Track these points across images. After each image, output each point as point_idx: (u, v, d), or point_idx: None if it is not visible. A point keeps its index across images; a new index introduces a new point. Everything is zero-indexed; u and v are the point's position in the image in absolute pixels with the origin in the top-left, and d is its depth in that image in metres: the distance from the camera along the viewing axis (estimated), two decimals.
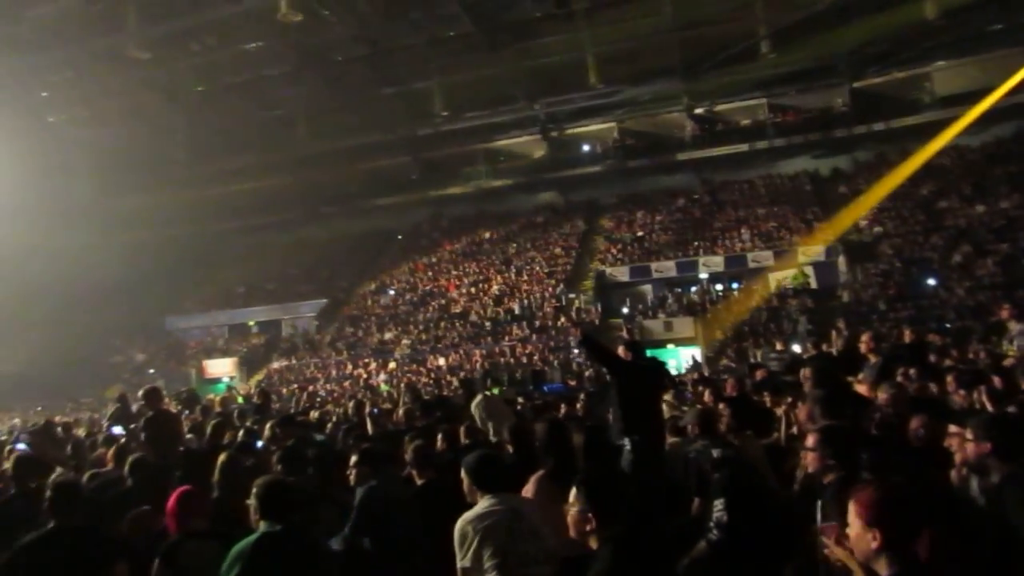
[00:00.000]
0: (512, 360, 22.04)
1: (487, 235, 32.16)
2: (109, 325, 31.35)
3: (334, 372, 24.98)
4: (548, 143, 32.09)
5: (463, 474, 3.60)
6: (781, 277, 23.30)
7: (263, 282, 33.19)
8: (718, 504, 3.80)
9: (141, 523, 4.12)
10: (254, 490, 3.39)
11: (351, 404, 9.89)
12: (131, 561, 3.63)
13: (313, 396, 17.57)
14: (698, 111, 29.82)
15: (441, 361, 23.45)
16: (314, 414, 9.59)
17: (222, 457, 4.93)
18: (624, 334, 20.33)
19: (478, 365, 21.92)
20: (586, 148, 32.58)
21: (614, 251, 28.00)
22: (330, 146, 31.26)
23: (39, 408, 23.08)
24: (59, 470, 5.66)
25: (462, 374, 20.18)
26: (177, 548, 3.57)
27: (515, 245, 30.48)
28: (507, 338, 24.02)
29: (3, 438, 9.75)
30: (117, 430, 6.61)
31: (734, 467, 4.12)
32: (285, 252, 35.00)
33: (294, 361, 27.05)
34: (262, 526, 3.28)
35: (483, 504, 3.41)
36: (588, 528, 2.71)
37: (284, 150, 31.36)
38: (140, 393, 7.27)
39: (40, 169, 28.57)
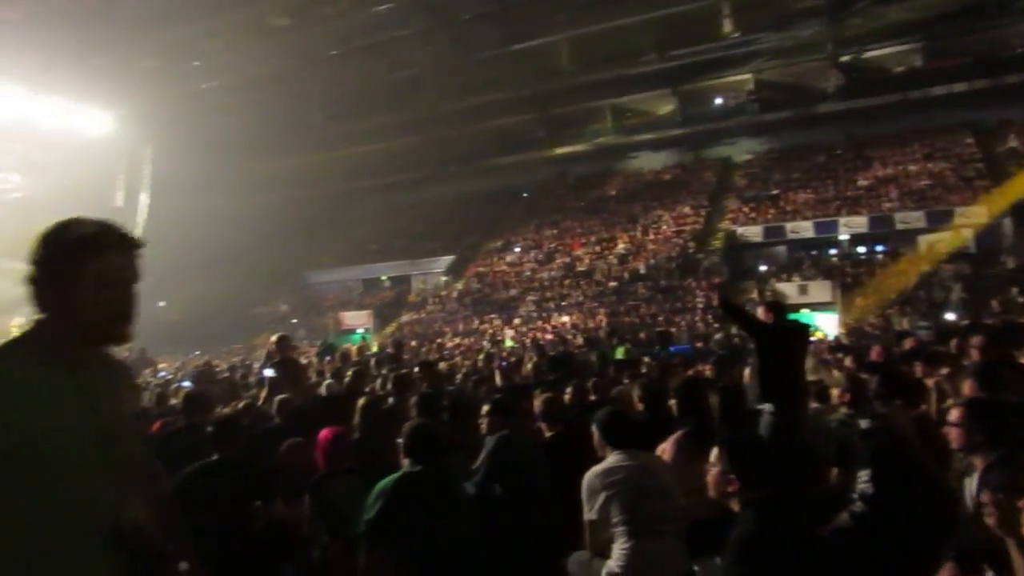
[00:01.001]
0: (636, 320, 21.76)
1: (613, 193, 31.68)
2: (256, 279, 33.65)
3: (461, 327, 25.65)
4: (678, 97, 30.97)
5: (594, 429, 3.61)
6: (934, 240, 21.52)
7: (394, 239, 34.42)
8: (863, 475, 3.59)
9: (295, 453, 4.40)
10: (403, 432, 3.54)
11: (481, 356, 10.11)
12: (285, 494, 3.91)
13: (441, 348, 18.14)
14: (844, 58, 27.69)
15: (565, 319, 23.51)
16: (443, 365, 9.89)
17: (362, 401, 5.19)
18: (755, 296, 19.55)
19: (602, 324, 21.82)
20: (718, 102, 31.20)
21: (746, 210, 26.84)
22: (457, 105, 31.65)
23: (197, 353, 25.26)
24: (219, 407, 6.16)
25: (586, 333, 20.16)
26: (325, 483, 3.80)
27: (641, 203, 29.85)
28: (631, 298, 23.73)
29: (170, 377, 10.75)
30: (268, 372, 7.13)
31: (883, 438, 3.87)
32: (414, 210, 36.10)
33: (423, 315, 27.99)
34: (405, 465, 3.42)
35: (612, 459, 3.41)
36: (730, 490, 2.64)
37: (413, 110, 32.06)
38: (272, 339, 7.80)
39: (193, 136, 30.78)
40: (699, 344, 15.75)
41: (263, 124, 32.64)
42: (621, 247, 27.13)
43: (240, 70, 29.98)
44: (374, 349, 13.40)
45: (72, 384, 1.61)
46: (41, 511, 1.50)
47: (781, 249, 25.19)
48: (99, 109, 26.28)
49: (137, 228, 28.93)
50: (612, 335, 12.89)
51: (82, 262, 1.57)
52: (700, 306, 21.78)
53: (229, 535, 3.70)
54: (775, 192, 26.98)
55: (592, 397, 5.82)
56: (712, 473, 2.71)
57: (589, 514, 3.32)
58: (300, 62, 29.54)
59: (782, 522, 2.53)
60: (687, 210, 28.28)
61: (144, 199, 28.88)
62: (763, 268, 24.41)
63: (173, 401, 6.85)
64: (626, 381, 6.62)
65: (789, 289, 22.03)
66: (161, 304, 33.89)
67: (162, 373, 13.78)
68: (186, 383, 8.35)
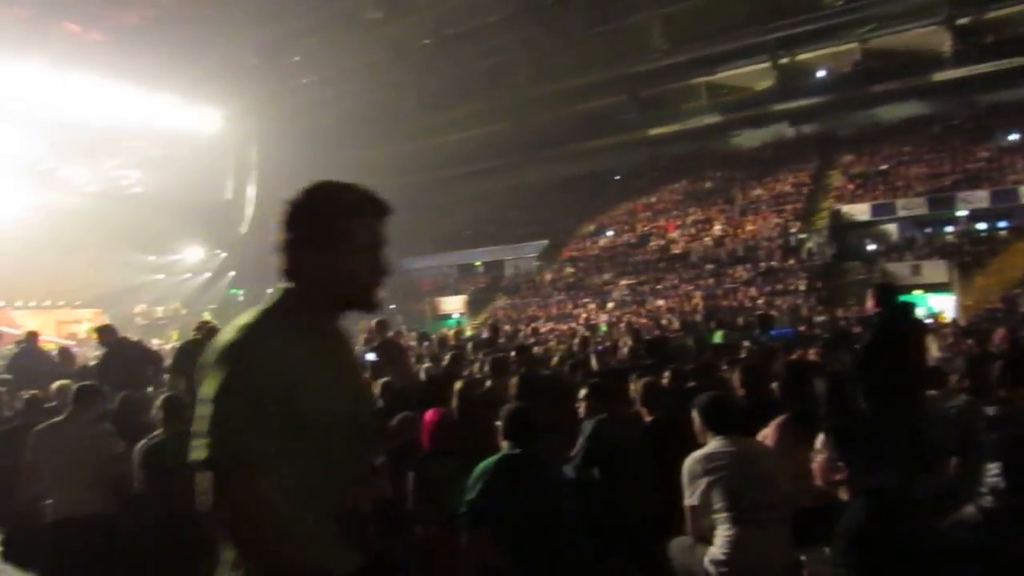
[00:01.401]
0: (735, 303, 21.19)
1: (708, 173, 30.84)
2: None
3: (554, 311, 25.70)
4: (777, 72, 29.70)
5: (694, 414, 3.56)
6: None
7: (487, 224, 34.77)
8: (993, 468, 3.37)
9: (407, 426, 4.54)
10: (501, 414, 3.60)
11: (576, 340, 10.11)
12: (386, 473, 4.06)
13: (536, 333, 18.25)
14: (962, 21, 25.79)
15: (660, 303, 23.16)
16: (537, 350, 9.94)
17: (459, 384, 5.29)
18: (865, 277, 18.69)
19: (698, 308, 21.37)
20: (821, 74, 29.75)
21: (852, 187, 25.54)
22: (547, 89, 31.53)
23: None
24: None
25: (681, 317, 19.80)
26: (428, 463, 3.92)
27: (739, 183, 28.91)
28: (729, 280, 23.10)
29: None
30: (371, 356, 7.38)
31: (1015, 427, 3.62)
32: (507, 195, 36.32)
33: (516, 300, 28.21)
34: (504, 447, 3.48)
35: (713, 445, 3.36)
36: (837, 478, 2.55)
37: (504, 96, 32.18)
38: (373, 323, 8.07)
39: (294, 129, 32.04)
40: (802, 328, 15.17)
41: (359, 115, 33.54)
42: (718, 228, 26.41)
43: (336, 63, 30.90)
44: (469, 334, 13.64)
45: (329, 351, 1.63)
46: (313, 480, 1.51)
47: (891, 227, 23.86)
48: (208, 107, 27.77)
49: (245, 220, 30.51)
50: (709, 319, 12.60)
51: (349, 225, 1.60)
52: (803, 288, 20.97)
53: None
54: (884, 167, 25.53)
55: (691, 382, 5.73)
56: (818, 460, 2.63)
57: (690, 499, 3.29)
58: (393, 53, 30.18)
59: (895, 513, 2.42)
60: (788, 189, 27.18)
61: (251, 192, 30.35)
62: (872, 248, 23.21)
63: None
64: (725, 366, 6.47)
65: (900, 270, 20.91)
66: (269, 291, 35.56)
67: None
68: None
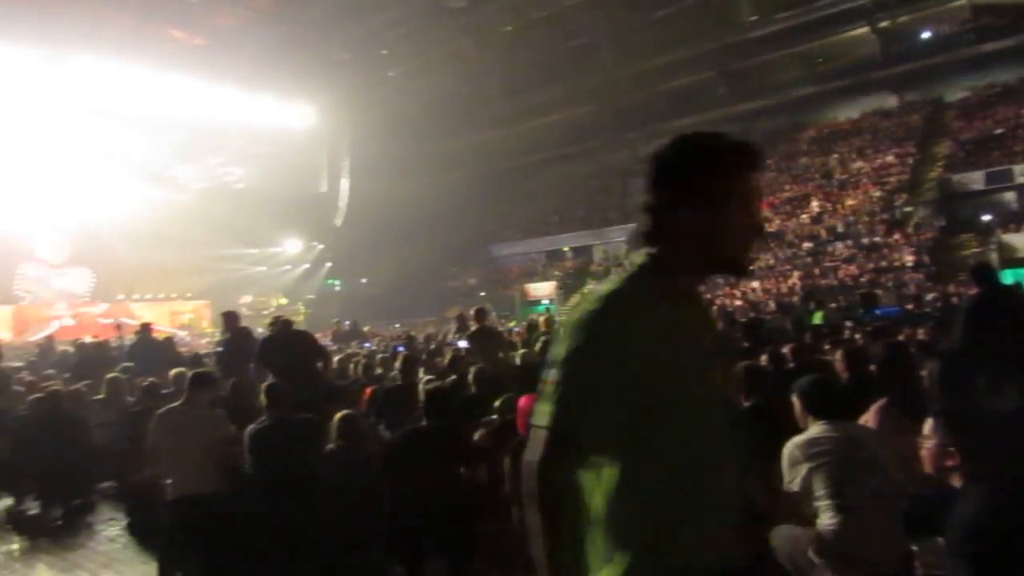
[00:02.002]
0: (835, 282, 20.33)
1: (804, 147, 29.58)
2: (445, 254, 35.43)
3: None
4: (877, 35, 28.07)
5: (794, 397, 3.45)
6: None
7: (574, 209, 34.62)
8: None
9: (508, 407, 4.63)
10: None
11: None
12: (485, 460, 4.15)
13: None
14: None
15: (755, 284, 22.50)
16: None
17: None
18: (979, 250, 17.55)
19: (796, 288, 20.63)
20: (926, 35, 27.94)
21: (963, 155, 23.94)
22: (633, 68, 30.97)
23: (396, 324, 27.17)
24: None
25: (778, 298, 19.19)
26: (523, 448, 3.97)
27: (837, 155, 27.60)
28: (828, 258, 22.16)
29: (374, 348, 11.69)
30: (463, 343, 7.53)
31: None
32: (593, 179, 36.05)
33: None
34: None
35: (815, 430, 3.24)
36: (948, 464, 2.43)
37: (588, 78, 31.82)
38: (471, 312, 8.18)
39: (383, 121, 32.80)
40: (910, 307, 14.42)
41: (445, 104, 33.97)
42: (815, 205, 25.34)
43: (422, 54, 31.34)
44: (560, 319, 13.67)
45: (698, 322, 1.50)
46: (691, 469, 1.39)
47: (1009, 196, 22.26)
48: (302, 103, 28.78)
49: (340, 211, 31.53)
50: (808, 299, 12.12)
51: (728, 179, 1.44)
52: (910, 264, 19.90)
53: (435, 496, 3.99)
54: (999, 131, 23.80)
55: (790, 364, 5.56)
56: (927, 446, 2.52)
57: (790, 486, 3.20)
58: (477, 41, 30.34)
59: (1015, 502, 2.29)
60: (891, 159, 25.75)
61: (344, 184, 31.30)
62: (986, 218, 21.73)
63: (379, 371, 7.41)
64: (827, 347, 6.24)
65: (1018, 241, 19.53)
66: (363, 281, 36.80)
67: (366, 344, 14.94)
68: (400, 348, 9.18)
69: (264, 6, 26.04)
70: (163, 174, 29.32)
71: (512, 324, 15.71)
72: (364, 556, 4.38)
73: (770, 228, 25.34)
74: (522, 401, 4.17)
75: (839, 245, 22.42)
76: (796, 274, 21.87)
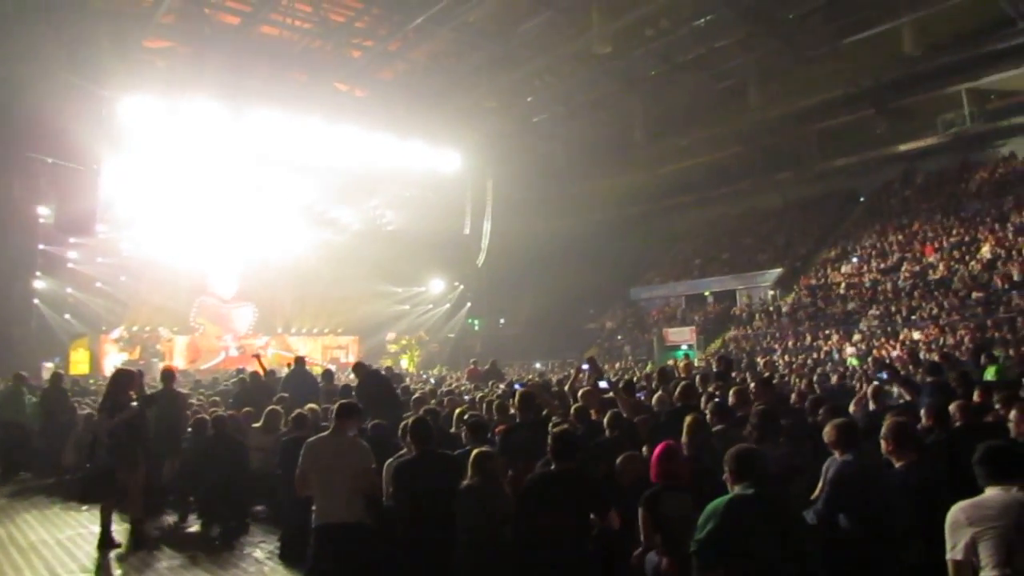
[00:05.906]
0: (1010, 336, 18.38)
1: (974, 189, 27.24)
2: (584, 295, 35.47)
3: (791, 343, 24.12)
4: None
5: (975, 463, 3.16)
6: None
7: (718, 253, 33.71)
8: None
9: (632, 465, 4.57)
10: (727, 457, 3.48)
11: (816, 374, 9.40)
12: (621, 506, 4.08)
13: (771, 366, 17.25)
14: None
15: (917, 335, 20.80)
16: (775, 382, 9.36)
17: (689, 418, 5.17)
18: None
19: (963, 340, 18.85)
20: None
21: None
22: (782, 109, 29.91)
23: (536, 364, 27.45)
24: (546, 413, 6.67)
25: (942, 350, 17.58)
26: (658, 497, 3.88)
27: (1014, 197, 25.15)
28: (1005, 309, 20.11)
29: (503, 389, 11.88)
30: (603, 384, 7.47)
31: None
32: (739, 222, 35.07)
33: (749, 331, 26.90)
34: (736, 489, 3.35)
35: (986, 493, 2.96)
36: None
37: (735, 120, 31.12)
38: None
39: (526, 165, 33.61)
40: None
41: (588, 148, 34.28)
42: (987, 250, 23.17)
43: (567, 100, 31.88)
44: (698, 366, 13.23)
45: None
46: None
47: None
48: (449, 149, 30.13)
49: (481, 252, 32.47)
50: (979, 352, 11.03)
51: None
52: None
53: (564, 541, 3.96)
54: None
55: (957, 423, 5.10)
56: None
57: (952, 553, 2.91)
58: (622, 85, 30.43)
59: None
60: None
61: (487, 226, 32.25)
62: None
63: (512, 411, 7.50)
64: (997, 406, 5.67)
65: None
66: (501, 321, 37.55)
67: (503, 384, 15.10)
68: (518, 386, 9.24)
69: (420, 59, 27.61)
70: (323, 216, 31.56)
71: (649, 368, 15.40)
72: None
73: (934, 275, 23.44)
74: (657, 448, 4.09)
75: (1016, 296, 20.32)
76: (964, 326, 20.01)
